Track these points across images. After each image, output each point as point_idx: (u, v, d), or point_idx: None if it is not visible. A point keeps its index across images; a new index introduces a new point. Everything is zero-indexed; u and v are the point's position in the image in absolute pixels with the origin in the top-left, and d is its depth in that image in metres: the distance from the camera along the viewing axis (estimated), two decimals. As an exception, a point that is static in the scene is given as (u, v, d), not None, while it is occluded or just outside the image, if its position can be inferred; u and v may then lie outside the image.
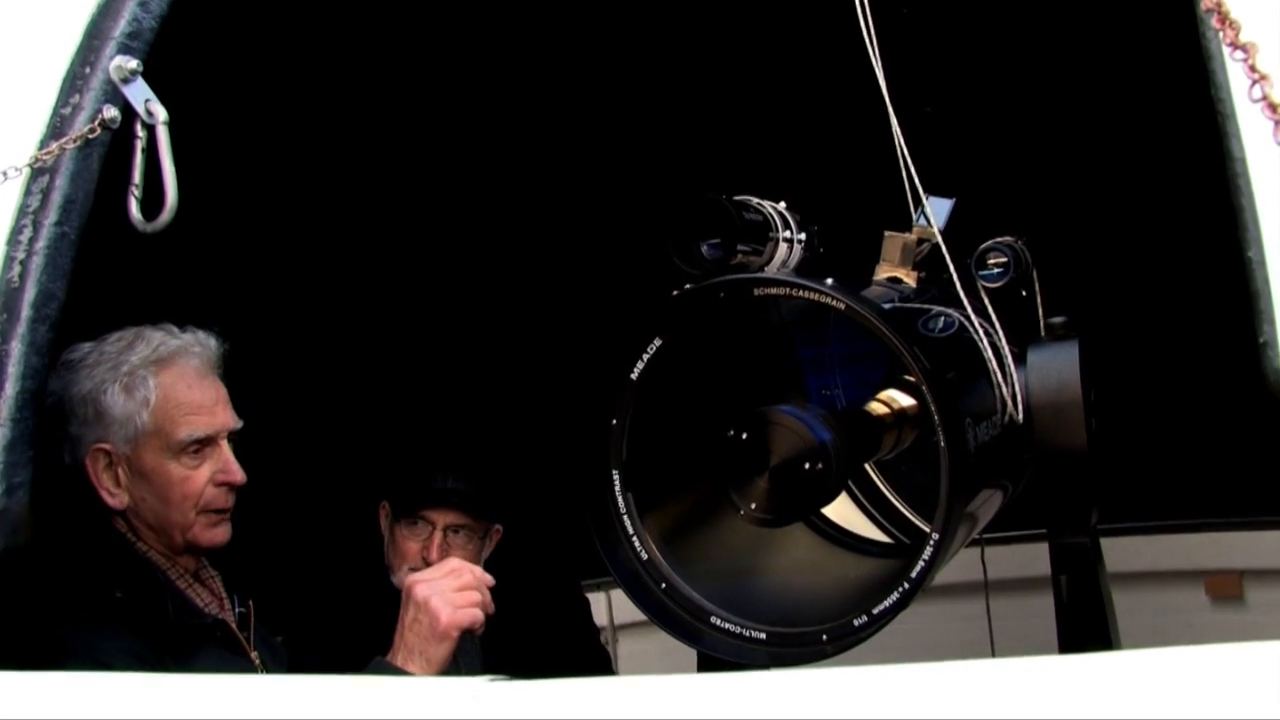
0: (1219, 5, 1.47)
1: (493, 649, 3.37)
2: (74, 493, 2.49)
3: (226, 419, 2.61)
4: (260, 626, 2.71)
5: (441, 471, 3.37)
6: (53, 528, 2.30)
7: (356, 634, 3.04)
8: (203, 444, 2.56)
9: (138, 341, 2.56)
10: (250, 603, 2.70)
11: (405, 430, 3.81)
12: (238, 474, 2.60)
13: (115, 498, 2.53)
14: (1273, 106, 1.36)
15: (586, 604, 3.81)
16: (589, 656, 3.67)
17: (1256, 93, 1.39)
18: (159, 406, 2.52)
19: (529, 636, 3.37)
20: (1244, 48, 1.43)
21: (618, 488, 2.19)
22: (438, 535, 3.31)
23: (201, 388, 2.58)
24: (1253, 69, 1.41)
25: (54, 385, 2.44)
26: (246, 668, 2.58)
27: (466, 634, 3.37)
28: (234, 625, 2.62)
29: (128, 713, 1.78)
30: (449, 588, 2.55)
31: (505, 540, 3.53)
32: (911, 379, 2.17)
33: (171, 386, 2.54)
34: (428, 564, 3.25)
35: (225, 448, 2.60)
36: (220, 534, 2.61)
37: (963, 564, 2.37)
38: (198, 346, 2.61)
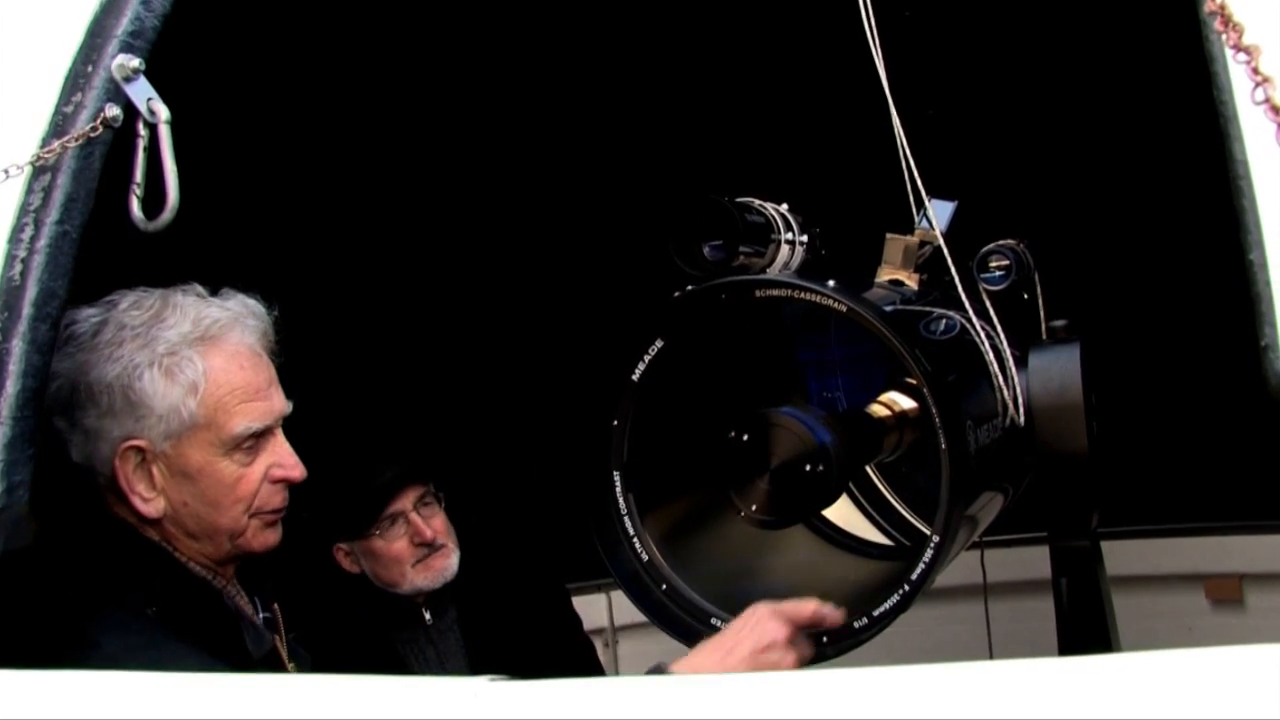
0: (1222, 8, 1.47)
1: (476, 644, 3.34)
2: (84, 495, 2.17)
3: (281, 404, 2.23)
4: (290, 635, 2.38)
5: (377, 466, 3.29)
6: (70, 539, 2.13)
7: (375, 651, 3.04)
8: (259, 436, 2.18)
9: (168, 311, 2.17)
10: (275, 606, 2.37)
11: (339, 460, 3.46)
12: (297, 469, 2.23)
13: (149, 504, 2.14)
14: (1275, 109, 1.36)
15: (568, 600, 3.77)
16: (572, 651, 3.65)
17: (1259, 95, 1.39)
18: (209, 394, 2.13)
19: (511, 632, 3.35)
20: (1247, 50, 1.43)
21: (618, 489, 2.19)
22: (414, 517, 3.27)
23: (256, 368, 2.19)
24: (1255, 71, 1.41)
25: (59, 366, 2.09)
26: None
27: (450, 632, 3.34)
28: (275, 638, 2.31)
29: (128, 712, 1.78)
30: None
31: (488, 536, 3.52)
32: (913, 381, 2.17)
33: (223, 369, 2.15)
34: (427, 546, 3.23)
35: (282, 438, 2.23)
36: (273, 536, 2.25)
37: (963, 566, 2.37)
38: (252, 319, 2.24)
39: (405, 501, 3.27)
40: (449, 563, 3.29)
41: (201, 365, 2.13)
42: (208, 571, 2.22)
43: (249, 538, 2.21)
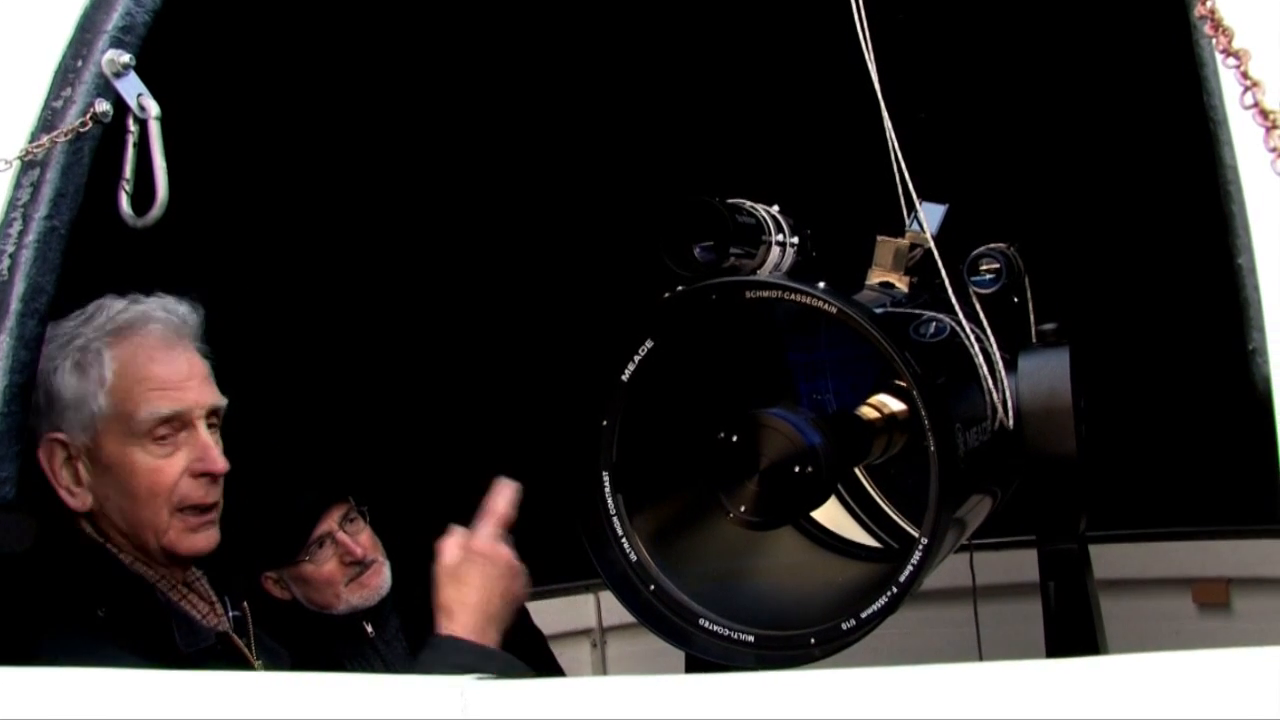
0: (1212, 12, 1.47)
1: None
2: (38, 494, 2.18)
3: (201, 396, 2.26)
4: (260, 631, 2.44)
5: (298, 490, 3.19)
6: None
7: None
8: (173, 426, 2.22)
9: (96, 313, 2.26)
10: (245, 605, 2.42)
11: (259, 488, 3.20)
12: (217, 462, 2.25)
13: (76, 498, 2.21)
14: (1264, 113, 1.37)
15: (523, 608, 3.73)
16: (521, 643, 3.60)
17: (1248, 100, 1.39)
18: (116, 384, 2.20)
19: None
20: (1236, 55, 1.43)
21: (607, 489, 2.18)
22: (342, 536, 3.17)
23: (168, 360, 2.24)
24: (1245, 76, 1.41)
25: None
26: None
27: (395, 642, 3.29)
28: (233, 634, 2.35)
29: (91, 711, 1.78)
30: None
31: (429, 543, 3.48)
32: (902, 384, 2.17)
33: (130, 360, 2.22)
34: (358, 564, 3.17)
35: (202, 430, 2.25)
36: (202, 540, 2.27)
37: (951, 569, 2.37)
38: (161, 312, 2.29)
39: (330, 522, 3.18)
40: (382, 578, 3.21)
41: (108, 355, 2.21)
42: (153, 569, 2.26)
43: (174, 538, 2.24)
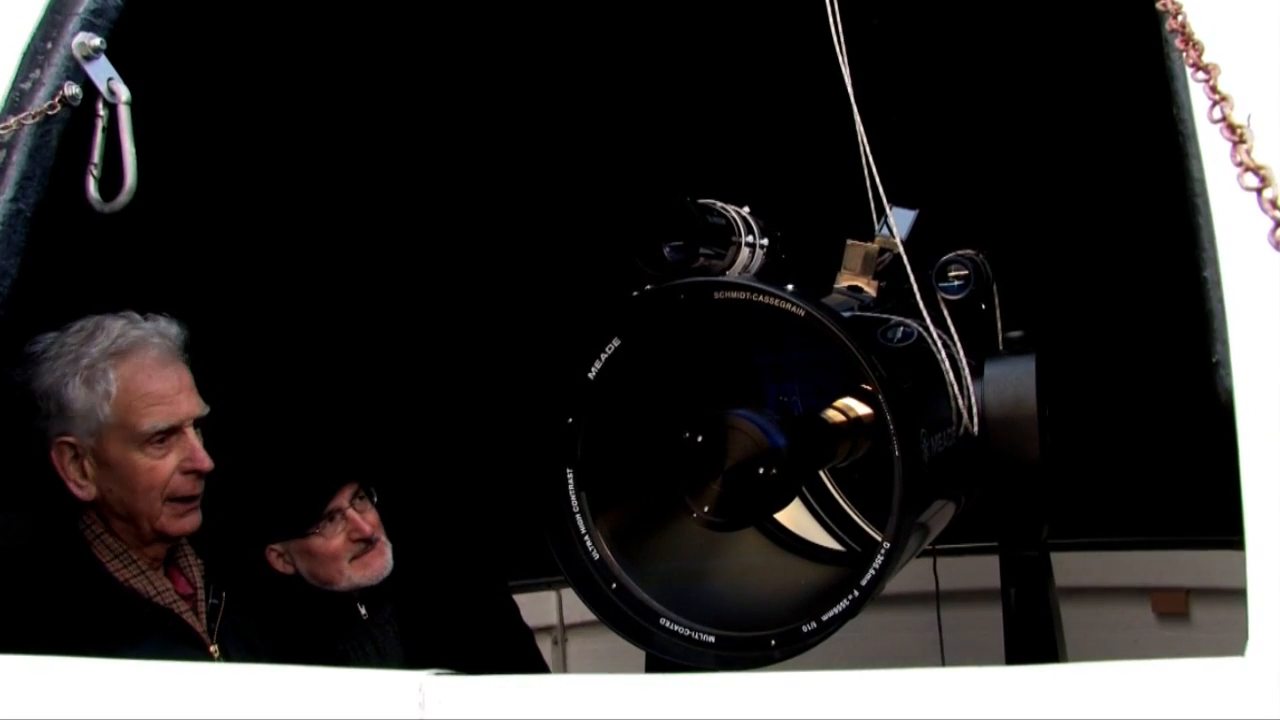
0: (1183, 26, 1.48)
1: (413, 638, 3.31)
2: (46, 486, 2.55)
3: (191, 407, 2.65)
4: (239, 621, 2.74)
5: (315, 464, 3.28)
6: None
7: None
8: (167, 434, 2.60)
9: (97, 332, 2.59)
10: (224, 595, 2.74)
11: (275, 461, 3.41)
12: (204, 461, 2.63)
13: (83, 489, 2.58)
14: (1232, 128, 1.37)
15: (514, 605, 3.74)
16: (511, 642, 3.61)
17: (1217, 114, 1.40)
18: (120, 399, 2.56)
19: (449, 624, 3.31)
20: (1206, 69, 1.44)
21: (571, 487, 2.18)
22: (351, 513, 3.21)
23: (163, 377, 2.61)
24: (1214, 90, 1.42)
25: (20, 377, 2.56)
26: (197, 659, 2.56)
27: (388, 626, 3.32)
28: (186, 615, 2.64)
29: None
30: None
31: (424, 530, 3.50)
32: (868, 388, 2.18)
33: (131, 378, 2.58)
34: (364, 541, 3.20)
35: (191, 435, 2.64)
36: (189, 523, 2.66)
37: (913, 574, 2.38)
38: (157, 336, 2.64)
39: (342, 499, 3.23)
40: (385, 559, 3.25)
41: (114, 375, 2.57)
42: (129, 546, 2.62)
43: (165, 522, 2.62)
